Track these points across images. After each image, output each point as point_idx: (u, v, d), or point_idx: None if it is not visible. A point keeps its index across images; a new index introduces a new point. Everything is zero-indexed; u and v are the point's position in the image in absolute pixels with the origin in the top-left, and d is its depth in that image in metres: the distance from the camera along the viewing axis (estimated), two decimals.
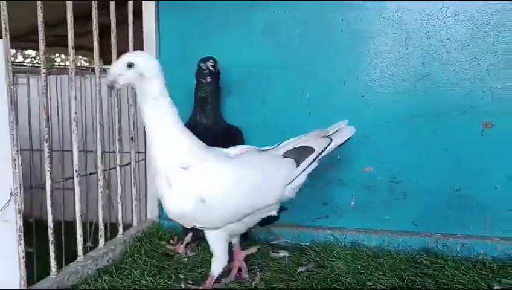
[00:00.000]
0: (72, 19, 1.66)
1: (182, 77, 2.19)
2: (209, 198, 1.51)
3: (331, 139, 1.64)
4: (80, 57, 4.95)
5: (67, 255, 1.89)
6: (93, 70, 2.00)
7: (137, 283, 1.70)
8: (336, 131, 1.66)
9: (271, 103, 2.15)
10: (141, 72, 1.46)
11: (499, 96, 1.92)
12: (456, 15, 1.93)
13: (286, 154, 1.64)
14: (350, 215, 2.12)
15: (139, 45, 2.21)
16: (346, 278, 1.72)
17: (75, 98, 1.69)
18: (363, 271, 1.79)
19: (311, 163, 1.62)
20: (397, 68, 2.00)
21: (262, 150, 1.69)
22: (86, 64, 4.72)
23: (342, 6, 2.03)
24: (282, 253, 1.98)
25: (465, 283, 1.67)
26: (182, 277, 1.78)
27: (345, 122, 1.68)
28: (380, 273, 1.77)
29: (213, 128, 1.96)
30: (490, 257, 1.91)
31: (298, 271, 1.81)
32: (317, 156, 1.62)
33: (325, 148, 1.62)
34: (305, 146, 1.63)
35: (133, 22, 2.15)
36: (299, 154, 1.62)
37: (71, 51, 1.67)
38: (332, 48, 2.06)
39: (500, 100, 1.92)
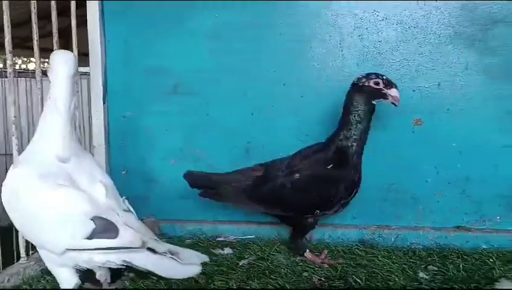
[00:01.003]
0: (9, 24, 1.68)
1: (127, 80, 2.26)
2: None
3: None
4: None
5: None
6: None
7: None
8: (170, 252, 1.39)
9: (215, 104, 2.21)
10: None
11: (427, 95, 2.04)
12: (386, 19, 2.04)
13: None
14: None
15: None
16: (284, 269, 1.81)
17: (14, 102, 1.71)
18: (300, 263, 1.88)
19: (106, 249, 1.36)
20: (333, 69, 2.10)
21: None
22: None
23: (280, 10, 2.11)
24: (227, 250, 2.05)
25: (394, 271, 1.78)
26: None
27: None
28: (317, 264, 1.86)
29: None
30: (421, 246, 2.03)
31: (240, 264, 1.88)
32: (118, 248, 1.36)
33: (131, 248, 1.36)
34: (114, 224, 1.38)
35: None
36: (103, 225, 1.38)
37: (8, 55, 1.70)
38: (272, 50, 2.14)
39: (428, 99, 2.04)
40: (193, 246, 2.09)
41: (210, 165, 2.21)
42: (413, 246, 2.04)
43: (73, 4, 2.07)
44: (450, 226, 2.08)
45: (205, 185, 2.00)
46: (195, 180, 2.01)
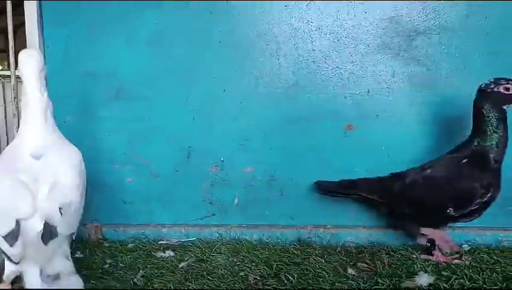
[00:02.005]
0: None
1: (67, 84, 2.26)
2: None
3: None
4: None
5: None
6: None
7: None
8: None
9: (157, 109, 2.25)
10: None
11: (358, 102, 2.16)
12: (319, 29, 2.15)
13: None
14: (234, 212, 2.28)
15: None
16: (222, 270, 1.88)
17: None
18: (238, 263, 1.96)
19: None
20: (270, 77, 2.19)
21: None
22: None
23: (219, 19, 2.18)
24: (168, 252, 2.10)
25: (325, 268, 1.88)
26: None
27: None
28: (253, 264, 1.94)
29: None
30: (354, 244, 2.15)
31: (180, 266, 1.94)
32: None
33: None
34: None
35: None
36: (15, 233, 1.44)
37: None
38: (212, 57, 2.21)
39: (359, 105, 2.16)
40: (135, 250, 2.13)
41: (152, 169, 2.26)
42: (346, 244, 2.15)
43: (9, 4, 2.04)
44: (380, 225, 2.20)
45: (336, 191, 2.07)
46: (328, 187, 2.08)
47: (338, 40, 2.15)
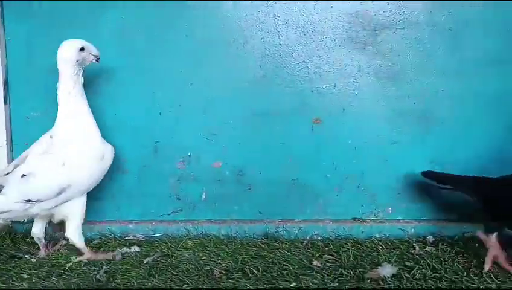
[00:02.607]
0: None
1: (30, 80, 2.22)
2: None
3: None
4: None
5: None
6: None
7: None
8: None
9: (123, 104, 2.23)
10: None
11: (324, 96, 2.17)
12: (286, 23, 2.15)
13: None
14: (202, 208, 2.26)
15: None
16: (186, 265, 1.86)
17: None
18: (204, 258, 1.94)
19: None
20: (237, 71, 2.18)
21: None
22: None
23: (186, 13, 2.16)
24: (134, 248, 2.07)
25: (291, 261, 1.88)
26: (25, 276, 1.80)
27: None
28: (219, 258, 1.93)
29: None
30: (321, 237, 2.16)
31: (144, 262, 1.92)
32: None
33: None
34: None
35: None
36: None
37: None
38: (179, 51, 2.18)
39: (325, 99, 2.17)
40: (100, 246, 2.10)
41: (119, 165, 2.23)
42: (314, 238, 2.16)
43: None
44: (347, 218, 2.22)
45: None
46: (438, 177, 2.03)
47: (304, 34, 2.16)
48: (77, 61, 1.87)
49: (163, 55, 2.19)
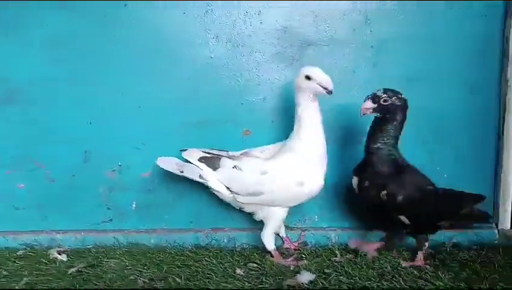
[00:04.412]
0: None
1: None
2: None
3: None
4: None
5: None
6: None
7: None
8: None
9: (53, 113, 2.21)
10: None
11: (254, 108, 2.24)
12: (217, 37, 2.21)
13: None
14: (132, 217, 2.28)
15: None
16: (111, 274, 1.87)
17: None
18: (130, 267, 1.95)
19: None
20: (168, 82, 2.21)
21: None
22: None
23: (116, 23, 2.18)
24: (60, 258, 2.05)
25: (215, 269, 1.93)
26: None
27: None
28: (145, 267, 1.95)
29: None
30: (250, 245, 2.22)
31: (69, 272, 1.90)
32: None
33: None
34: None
35: None
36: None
37: None
38: (109, 61, 2.20)
39: (254, 111, 2.24)
40: (24, 257, 2.07)
41: (47, 174, 2.21)
42: (243, 246, 2.22)
43: None
44: None
45: None
46: None
47: (235, 48, 2.22)
48: None
49: (94, 64, 2.20)
